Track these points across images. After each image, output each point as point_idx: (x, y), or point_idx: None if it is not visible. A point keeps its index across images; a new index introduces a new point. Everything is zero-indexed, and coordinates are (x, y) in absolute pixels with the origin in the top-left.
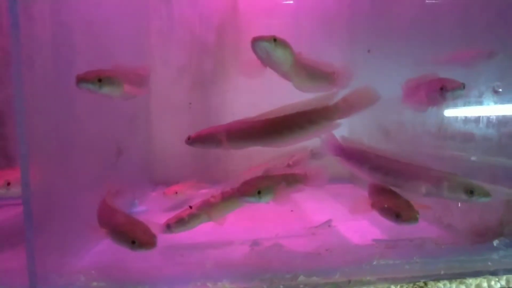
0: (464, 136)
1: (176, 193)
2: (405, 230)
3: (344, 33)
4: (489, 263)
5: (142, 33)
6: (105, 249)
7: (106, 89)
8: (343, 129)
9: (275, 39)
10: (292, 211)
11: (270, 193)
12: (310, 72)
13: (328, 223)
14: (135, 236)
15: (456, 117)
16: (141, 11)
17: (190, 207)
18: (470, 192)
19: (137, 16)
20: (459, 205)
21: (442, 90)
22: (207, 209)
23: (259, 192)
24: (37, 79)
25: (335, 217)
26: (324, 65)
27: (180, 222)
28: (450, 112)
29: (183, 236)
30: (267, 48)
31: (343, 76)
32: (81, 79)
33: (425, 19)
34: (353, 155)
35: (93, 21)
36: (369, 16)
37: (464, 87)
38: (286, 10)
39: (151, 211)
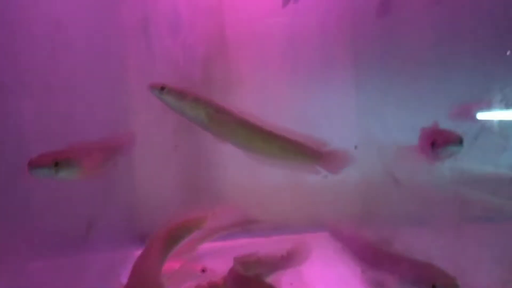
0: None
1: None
2: None
3: (347, 56)
4: None
5: (119, 72)
6: None
7: (63, 174)
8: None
9: (162, 87)
10: (291, 284)
11: None
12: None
13: None
14: None
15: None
16: (117, 46)
17: None
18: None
19: (113, 53)
20: None
21: (433, 146)
22: None
23: None
24: None
25: None
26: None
27: None
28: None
29: None
30: (156, 95)
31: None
32: (35, 165)
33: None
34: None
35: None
36: (375, 38)
37: (461, 142)
38: (279, 32)
39: None
